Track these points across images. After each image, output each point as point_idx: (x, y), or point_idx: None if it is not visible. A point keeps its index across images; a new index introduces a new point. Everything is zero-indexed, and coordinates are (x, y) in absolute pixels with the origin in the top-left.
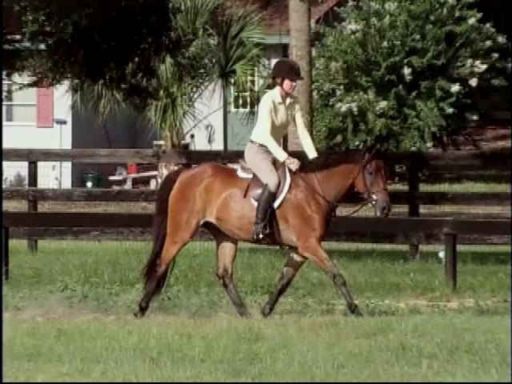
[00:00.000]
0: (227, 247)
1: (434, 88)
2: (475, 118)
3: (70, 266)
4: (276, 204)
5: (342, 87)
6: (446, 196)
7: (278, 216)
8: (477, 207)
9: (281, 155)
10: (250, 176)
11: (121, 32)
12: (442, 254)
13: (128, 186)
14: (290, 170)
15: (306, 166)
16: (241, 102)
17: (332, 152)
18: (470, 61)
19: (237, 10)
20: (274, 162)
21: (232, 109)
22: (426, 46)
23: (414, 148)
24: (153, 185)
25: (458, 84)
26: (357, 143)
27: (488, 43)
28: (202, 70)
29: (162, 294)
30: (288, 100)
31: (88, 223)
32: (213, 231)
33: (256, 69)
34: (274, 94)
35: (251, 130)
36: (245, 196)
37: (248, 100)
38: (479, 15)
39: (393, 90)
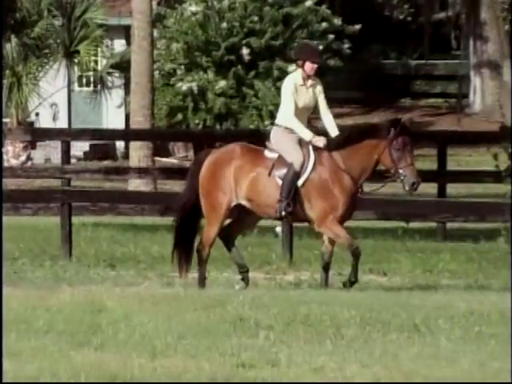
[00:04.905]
0: (244, 221)
1: (271, 68)
2: None
3: None
4: (300, 182)
5: (182, 67)
6: None
7: (302, 194)
8: None
9: (307, 134)
10: (276, 155)
11: None
12: (278, 229)
13: None
14: (315, 149)
15: (330, 144)
16: (84, 81)
17: (354, 129)
18: None
19: None
20: (299, 141)
21: (76, 88)
22: (263, 27)
23: (252, 126)
24: None
25: (294, 64)
26: (197, 121)
27: (324, 25)
28: (47, 50)
29: (7, 268)
30: (310, 82)
31: None
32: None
33: (99, 49)
34: (296, 76)
35: (94, 108)
36: (269, 174)
37: (91, 79)
38: None
39: (232, 69)
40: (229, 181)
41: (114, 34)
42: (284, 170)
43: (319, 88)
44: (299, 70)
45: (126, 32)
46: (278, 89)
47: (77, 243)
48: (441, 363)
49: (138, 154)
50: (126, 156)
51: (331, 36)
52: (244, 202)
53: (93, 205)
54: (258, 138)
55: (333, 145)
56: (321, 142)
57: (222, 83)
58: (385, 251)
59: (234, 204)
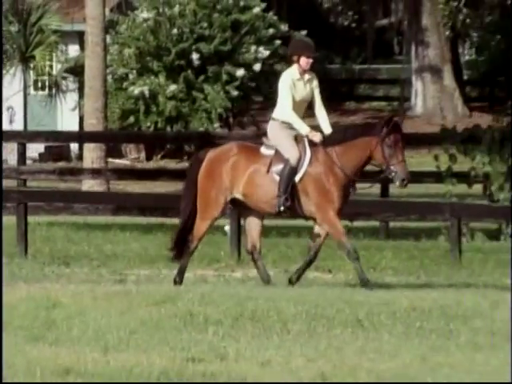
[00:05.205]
0: (253, 223)
1: (220, 72)
2: (259, 99)
3: None
4: (297, 178)
5: (134, 72)
6: None
7: (299, 189)
8: None
9: (304, 129)
10: (273, 152)
11: None
12: (227, 228)
13: None
14: (310, 145)
15: (325, 140)
16: (40, 85)
17: (348, 127)
18: (254, 47)
19: None
20: (295, 137)
21: (31, 91)
22: (213, 33)
23: (202, 128)
24: None
25: (243, 69)
26: (148, 124)
27: (271, 31)
28: (4, 55)
29: None
30: (306, 76)
31: None
32: (239, 208)
33: (54, 54)
34: (292, 71)
35: (49, 111)
36: (268, 171)
37: (46, 83)
38: (263, 5)
39: (182, 74)
40: (225, 179)
41: (68, 40)
42: (281, 166)
43: (315, 83)
44: (295, 66)
45: (79, 38)
46: (227, 92)
47: (32, 242)
48: (383, 357)
49: (92, 155)
50: (80, 157)
51: (278, 41)
52: (239, 197)
53: (48, 204)
54: (208, 140)
55: (327, 141)
56: (317, 137)
57: (173, 87)
58: (329, 249)
59: (229, 199)
